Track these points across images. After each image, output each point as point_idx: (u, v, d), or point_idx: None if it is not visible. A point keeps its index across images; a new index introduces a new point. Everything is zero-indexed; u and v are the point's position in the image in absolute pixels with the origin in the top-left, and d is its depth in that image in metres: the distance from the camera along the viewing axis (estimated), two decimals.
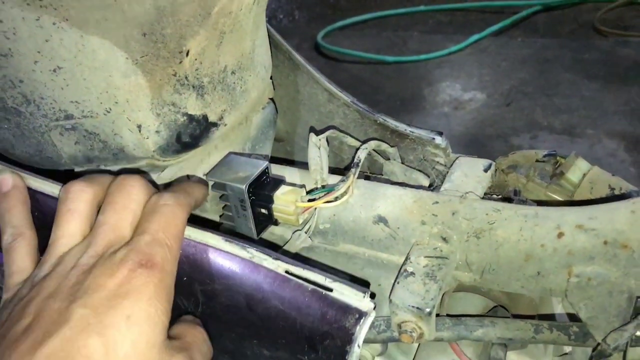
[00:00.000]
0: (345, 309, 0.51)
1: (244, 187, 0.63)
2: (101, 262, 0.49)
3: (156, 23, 0.53)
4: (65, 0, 0.51)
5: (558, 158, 0.73)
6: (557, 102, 2.42)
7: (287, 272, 0.53)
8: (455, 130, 2.31)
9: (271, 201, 0.65)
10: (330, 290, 0.52)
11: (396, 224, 0.64)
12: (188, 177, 0.68)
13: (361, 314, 0.50)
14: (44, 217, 0.58)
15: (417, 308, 0.56)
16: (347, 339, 0.50)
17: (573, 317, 0.67)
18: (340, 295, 0.51)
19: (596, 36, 2.80)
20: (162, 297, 0.49)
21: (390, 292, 0.59)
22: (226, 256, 0.54)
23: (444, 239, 0.62)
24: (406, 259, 0.62)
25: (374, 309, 0.51)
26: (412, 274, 0.59)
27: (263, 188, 0.66)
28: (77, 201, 0.54)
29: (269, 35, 0.76)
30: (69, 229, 0.53)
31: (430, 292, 0.57)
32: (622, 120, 2.24)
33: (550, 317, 0.71)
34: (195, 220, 0.57)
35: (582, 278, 0.56)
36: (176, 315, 0.56)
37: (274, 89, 0.79)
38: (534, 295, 0.64)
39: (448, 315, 0.64)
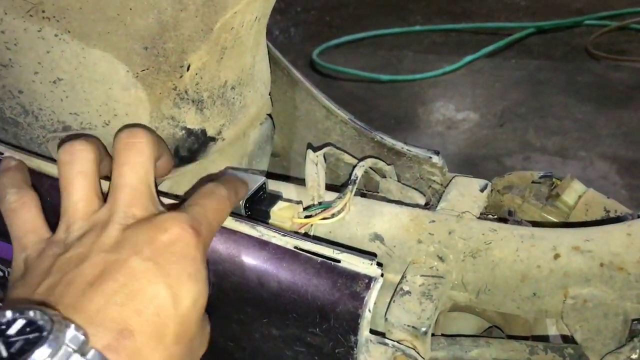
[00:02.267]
0: (355, 276, 0.53)
1: (241, 202, 0.63)
2: (145, 220, 0.47)
3: (158, 37, 0.54)
4: (68, 13, 0.51)
5: (554, 180, 0.74)
6: (550, 124, 2.44)
7: (296, 247, 0.55)
8: (448, 149, 2.32)
9: (268, 217, 0.65)
10: (339, 261, 0.54)
11: (392, 242, 0.64)
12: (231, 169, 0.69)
13: (370, 279, 0.53)
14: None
15: (413, 327, 0.56)
16: (359, 303, 0.52)
17: (567, 339, 0.67)
18: (349, 264, 0.54)
19: (589, 60, 2.84)
20: (206, 265, 0.49)
21: (386, 311, 0.58)
22: (236, 235, 0.56)
23: (440, 258, 0.62)
24: (402, 277, 0.62)
25: (382, 275, 0.53)
26: (408, 292, 0.59)
27: (260, 203, 0.65)
28: (84, 162, 0.51)
29: (268, 51, 0.76)
30: (85, 193, 0.50)
31: (426, 311, 0.57)
32: (614, 143, 2.26)
33: (544, 339, 0.71)
34: None
35: (578, 300, 0.56)
36: None
37: (272, 104, 0.79)
38: (529, 316, 0.64)
39: (443, 335, 0.64)
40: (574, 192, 0.72)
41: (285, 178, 0.85)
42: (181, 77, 0.58)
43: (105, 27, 0.52)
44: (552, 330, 0.72)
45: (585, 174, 2.06)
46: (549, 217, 0.73)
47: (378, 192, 0.79)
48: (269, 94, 0.76)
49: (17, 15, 0.52)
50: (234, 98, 0.65)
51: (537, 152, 2.22)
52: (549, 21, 3.08)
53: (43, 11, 0.51)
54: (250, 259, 0.56)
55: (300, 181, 0.72)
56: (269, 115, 0.79)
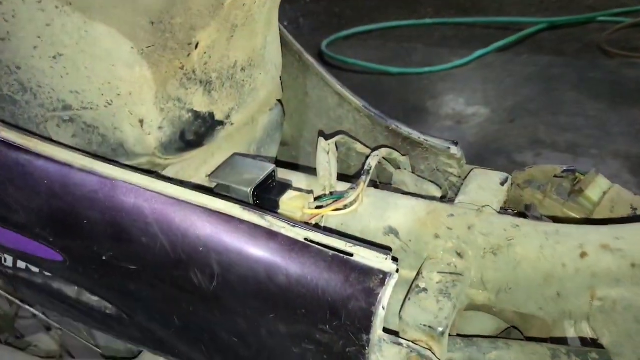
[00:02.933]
0: (368, 271, 0.50)
1: (249, 190, 0.60)
2: None
3: (166, 12, 0.50)
4: None
5: (577, 174, 0.70)
6: (561, 121, 2.40)
7: (306, 239, 0.52)
8: None
9: (277, 206, 0.62)
10: (351, 255, 0.51)
11: (408, 237, 0.61)
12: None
13: (385, 275, 0.50)
14: None
15: (430, 327, 0.53)
16: (372, 299, 0.50)
17: (586, 342, 0.64)
18: (362, 258, 0.51)
19: (602, 56, 2.79)
20: None
21: (401, 309, 0.55)
22: (244, 224, 0.53)
23: (459, 255, 0.58)
24: (418, 273, 0.58)
25: (397, 271, 0.50)
26: (425, 290, 0.56)
27: (269, 192, 0.62)
28: None
29: (280, 34, 0.73)
30: None
31: (444, 310, 0.54)
32: (626, 142, 2.22)
33: (562, 341, 0.68)
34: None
35: (607, 302, 0.52)
36: (191, 291, 0.54)
37: (283, 90, 0.76)
38: (551, 317, 0.61)
39: (459, 335, 0.61)
40: (598, 187, 0.68)
41: (295, 167, 0.82)
42: (189, 55, 0.54)
43: None
44: (571, 333, 0.69)
45: None
46: (570, 213, 0.70)
47: (392, 184, 0.76)
48: (280, 79, 0.73)
49: None
50: (244, 80, 0.62)
51: (548, 148, 2.18)
52: (562, 17, 3.03)
53: None
54: (258, 250, 0.53)
55: (311, 170, 0.69)
56: (279, 101, 0.75)
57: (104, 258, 0.57)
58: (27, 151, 0.55)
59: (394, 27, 3.24)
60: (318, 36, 3.13)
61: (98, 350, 1.00)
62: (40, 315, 0.94)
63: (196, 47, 0.54)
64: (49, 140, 0.56)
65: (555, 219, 0.70)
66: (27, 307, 0.90)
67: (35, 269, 0.68)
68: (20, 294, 0.81)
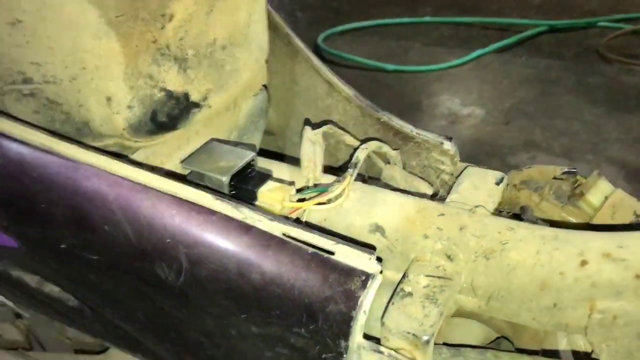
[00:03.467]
0: (350, 272, 0.47)
1: (224, 179, 0.56)
2: None
3: None
4: None
5: (578, 177, 0.66)
6: (557, 125, 2.37)
7: (284, 234, 0.49)
8: None
9: (254, 198, 0.57)
10: (332, 253, 0.48)
11: (395, 235, 0.57)
12: None
13: (367, 276, 0.47)
14: None
15: (414, 335, 0.49)
16: (352, 303, 0.46)
17: (579, 356, 0.60)
18: (344, 257, 0.47)
19: (601, 62, 2.77)
20: None
21: (384, 313, 0.51)
22: (216, 216, 0.49)
23: (449, 257, 0.54)
24: (404, 276, 0.54)
25: (381, 272, 0.47)
26: (410, 294, 0.52)
27: (247, 182, 0.58)
28: None
29: (268, 15, 0.68)
30: None
31: (429, 317, 0.50)
32: (622, 148, 2.20)
33: (554, 354, 0.64)
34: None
35: (607, 315, 0.48)
36: (156, 285, 0.51)
37: (269, 76, 0.71)
38: (545, 329, 0.57)
39: (445, 344, 0.56)
40: (600, 192, 0.64)
41: (279, 158, 0.77)
42: (162, 28, 0.50)
43: None
44: (563, 345, 0.65)
45: None
46: (569, 217, 0.66)
47: (381, 179, 0.72)
48: (266, 63, 0.68)
49: None
50: (224, 59, 0.57)
51: (542, 152, 2.15)
52: (562, 20, 3.01)
53: None
54: (230, 245, 0.49)
55: (296, 162, 0.65)
56: (264, 86, 0.71)
57: (62, 246, 0.53)
58: None
59: (392, 24, 3.21)
60: (315, 30, 3.09)
61: (69, 341, 0.96)
62: (8, 302, 0.90)
63: (170, 19, 0.49)
64: (5, 114, 0.51)
65: (552, 223, 0.66)
66: None
67: None
68: None
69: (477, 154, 2.17)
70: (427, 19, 3.20)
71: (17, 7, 0.47)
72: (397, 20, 3.20)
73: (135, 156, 0.57)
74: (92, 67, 0.50)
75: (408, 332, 0.49)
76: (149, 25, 0.49)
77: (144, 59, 0.51)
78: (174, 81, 0.54)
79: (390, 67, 2.70)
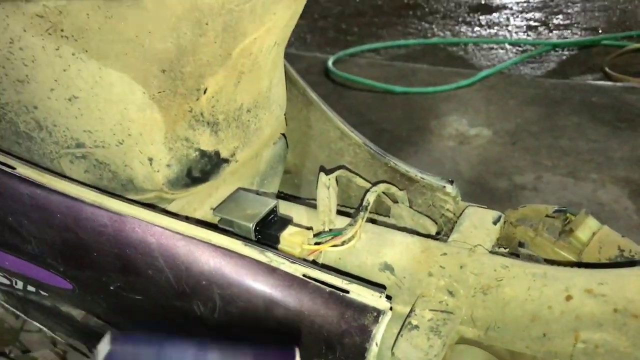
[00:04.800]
0: (363, 309, 0.53)
1: (251, 225, 0.63)
2: None
3: (176, 61, 0.53)
4: (86, 33, 0.51)
5: (568, 215, 0.72)
6: (562, 144, 2.42)
7: (304, 275, 0.55)
8: (460, 165, 2.31)
9: (277, 241, 0.64)
10: (347, 292, 0.54)
11: (402, 273, 0.64)
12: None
13: (379, 313, 0.53)
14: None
15: None
16: (366, 336, 0.52)
17: None
18: (357, 296, 0.54)
19: (605, 80, 2.81)
20: None
21: (393, 345, 0.58)
22: (245, 260, 0.56)
23: (451, 293, 0.61)
24: (411, 310, 0.61)
25: (390, 309, 0.53)
26: (417, 327, 0.59)
27: (270, 227, 0.65)
28: None
29: (285, 71, 0.76)
30: None
31: (434, 347, 0.56)
32: (627, 167, 2.24)
33: None
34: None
35: (589, 344, 0.55)
36: (194, 320, 0.57)
37: (287, 122, 0.79)
38: (538, 356, 0.63)
39: None
40: (588, 228, 0.71)
41: (296, 194, 0.84)
42: (197, 99, 0.57)
43: (123, 48, 0.52)
44: None
45: (597, 197, 2.04)
46: (561, 252, 0.72)
47: (389, 217, 0.79)
48: (284, 116, 0.76)
49: (36, 33, 0.51)
50: (249, 120, 0.65)
51: (548, 172, 2.20)
52: (566, 39, 3.07)
53: (62, 30, 0.51)
54: (258, 285, 0.56)
55: (311, 201, 0.72)
56: (283, 134, 0.78)
57: (111, 288, 0.60)
58: (41, 186, 0.58)
59: (400, 45, 3.27)
60: (324, 53, 3.16)
61: None
62: (45, 329, 0.96)
63: (204, 92, 0.57)
64: (62, 176, 0.59)
65: (547, 260, 0.73)
66: (33, 321, 0.92)
67: (44, 293, 0.71)
68: (29, 315, 0.84)
69: (485, 174, 2.23)
70: (435, 40, 3.26)
71: (74, 86, 0.55)
72: (405, 42, 3.27)
73: (172, 206, 0.65)
74: (136, 134, 0.58)
75: None
76: (186, 98, 0.56)
77: (181, 125, 0.58)
78: (207, 142, 0.61)
79: (398, 88, 2.76)
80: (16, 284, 0.73)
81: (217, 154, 0.63)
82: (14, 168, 0.58)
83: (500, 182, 2.22)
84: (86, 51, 0.52)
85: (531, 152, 2.35)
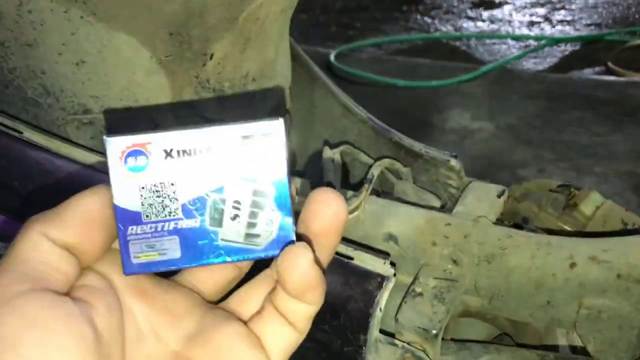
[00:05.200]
0: (367, 275, 0.53)
1: None
2: None
3: (183, 24, 0.53)
4: None
5: (572, 189, 0.73)
6: (565, 138, 2.42)
7: None
8: (462, 159, 2.30)
9: None
10: (352, 258, 0.54)
11: (406, 243, 0.64)
12: None
13: (383, 278, 0.53)
14: None
15: (424, 329, 0.56)
16: (370, 302, 0.53)
17: (576, 350, 0.66)
18: (361, 262, 0.54)
19: (608, 75, 2.81)
20: None
21: (397, 312, 0.58)
22: None
23: (455, 262, 0.61)
24: (415, 279, 0.61)
25: (394, 275, 0.53)
26: (420, 294, 0.59)
27: None
28: None
29: (290, 46, 0.76)
30: None
31: (438, 314, 0.57)
32: (630, 161, 2.24)
33: (554, 349, 0.70)
34: None
35: (593, 310, 0.55)
36: None
37: (291, 100, 0.79)
38: (541, 325, 0.64)
39: (452, 339, 0.63)
40: (592, 202, 0.71)
41: (300, 175, 0.85)
42: (204, 65, 0.58)
43: (132, 11, 0.52)
44: (562, 341, 0.72)
45: (600, 191, 2.03)
46: (565, 226, 0.72)
47: (393, 194, 0.79)
48: (289, 90, 0.76)
49: None
50: (254, 90, 0.65)
51: (551, 165, 2.20)
52: (569, 34, 3.07)
53: None
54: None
55: (314, 177, 0.72)
56: (287, 110, 0.78)
57: None
58: (48, 151, 0.58)
59: (402, 40, 3.27)
60: (327, 47, 3.16)
61: None
62: None
63: (211, 57, 0.57)
64: (69, 141, 0.59)
65: (550, 232, 0.73)
66: None
67: None
68: None
69: (487, 167, 2.23)
70: (437, 34, 3.26)
71: (81, 50, 0.55)
72: (408, 36, 3.27)
73: None
74: (143, 100, 0.58)
75: (419, 327, 0.56)
76: (193, 63, 0.57)
77: (187, 91, 0.59)
78: (213, 110, 0.61)
79: (401, 82, 2.76)
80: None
81: (222, 122, 0.63)
82: (21, 133, 0.58)
83: (503, 176, 2.21)
84: (94, 14, 0.53)
85: (534, 146, 2.35)
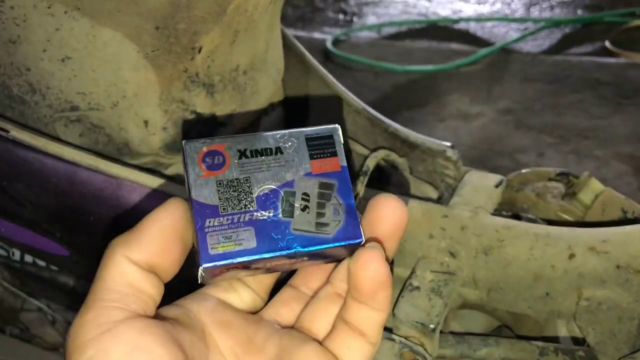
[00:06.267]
0: None
1: None
2: None
3: (170, 17, 0.52)
4: None
5: (570, 178, 0.72)
6: (565, 121, 2.40)
7: None
8: (462, 144, 2.30)
9: None
10: None
11: (403, 236, 0.63)
12: None
13: None
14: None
15: (422, 324, 0.55)
16: None
17: (577, 341, 0.66)
18: None
19: (607, 57, 2.79)
20: None
21: (394, 306, 0.57)
22: None
23: (452, 254, 0.60)
24: (412, 272, 0.60)
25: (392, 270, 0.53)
26: (418, 288, 0.58)
27: None
28: None
29: (282, 36, 0.75)
30: None
31: (435, 307, 0.56)
32: (631, 144, 2.23)
33: (554, 340, 0.70)
34: None
35: (592, 302, 0.54)
36: None
37: (285, 91, 0.78)
38: (540, 316, 0.63)
39: (451, 332, 0.63)
40: (591, 191, 0.70)
41: None
42: (192, 59, 0.56)
43: (116, 5, 0.51)
44: (562, 332, 0.71)
45: (600, 174, 2.03)
46: (564, 215, 0.71)
47: (389, 185, 0.78)
48: (282, 81, 0.75)
49: None
50: (245, 83, 0.64)
51: (551, 149, 2.18)
52: (567, 16, 3.04)
53: None
54: None
55: None
56: (281, 102, 0.77)
57: None
58: (35, 150, 0.57)
59: (400, 24, 3.25)
60: (323, 33, 3.14)
61: None
62: (45, 308, 0.96)
63: (199, 51, 0.56)
64: (57, 139, 0.58)
65: (549, 222, 0.72)
66: (32, 300, 0.92)
67: (42, 263, 0.70)
68: (27, 288, 0.84)
69: (487, 152, 2.22)
70: (435, 18, 3.24)
71: (67, 46, 0.54)
72: (406, 21, 3.24)
73: (169, 172, 0.64)
74: (131, 95, 0.57)
75: (416, 322, 0.55)
76: (181, 57, 0.55)
77: (176, 86, 0.57)
78: (203, 104, 0.60)
79: (399, 68, 2.74)
80: (13, 254, 0.72)
81: (213, 117, 0.62)
82: (7, 131, 0.57)
83: (503, 161, 2.20)
84: (78, 9, 0.51)
85: (533, 130, 2.34)
